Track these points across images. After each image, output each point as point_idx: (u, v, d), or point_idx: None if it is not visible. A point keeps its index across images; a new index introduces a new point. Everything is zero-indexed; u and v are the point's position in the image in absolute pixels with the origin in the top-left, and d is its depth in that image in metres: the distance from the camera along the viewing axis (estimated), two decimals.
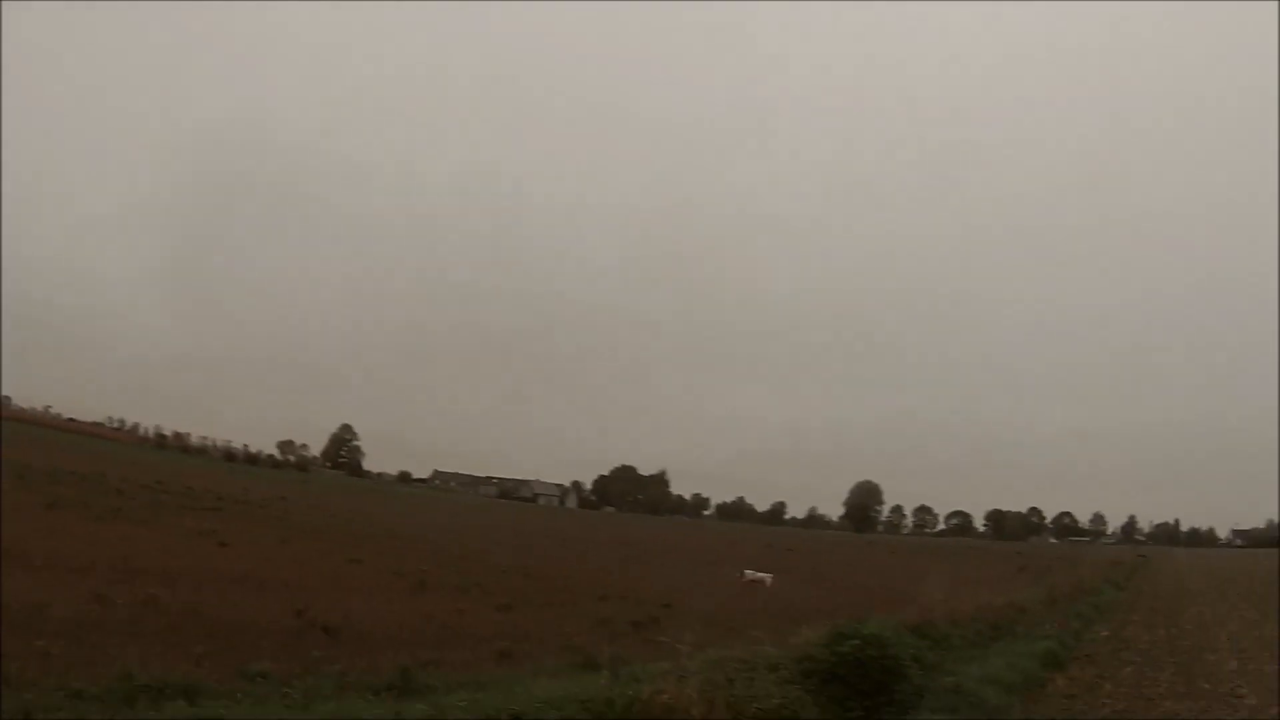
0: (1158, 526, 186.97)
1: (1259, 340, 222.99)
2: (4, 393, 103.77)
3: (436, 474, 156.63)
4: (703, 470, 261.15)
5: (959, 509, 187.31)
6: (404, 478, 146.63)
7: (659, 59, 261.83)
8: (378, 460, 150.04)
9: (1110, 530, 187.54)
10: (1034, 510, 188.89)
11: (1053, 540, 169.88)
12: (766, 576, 31.80)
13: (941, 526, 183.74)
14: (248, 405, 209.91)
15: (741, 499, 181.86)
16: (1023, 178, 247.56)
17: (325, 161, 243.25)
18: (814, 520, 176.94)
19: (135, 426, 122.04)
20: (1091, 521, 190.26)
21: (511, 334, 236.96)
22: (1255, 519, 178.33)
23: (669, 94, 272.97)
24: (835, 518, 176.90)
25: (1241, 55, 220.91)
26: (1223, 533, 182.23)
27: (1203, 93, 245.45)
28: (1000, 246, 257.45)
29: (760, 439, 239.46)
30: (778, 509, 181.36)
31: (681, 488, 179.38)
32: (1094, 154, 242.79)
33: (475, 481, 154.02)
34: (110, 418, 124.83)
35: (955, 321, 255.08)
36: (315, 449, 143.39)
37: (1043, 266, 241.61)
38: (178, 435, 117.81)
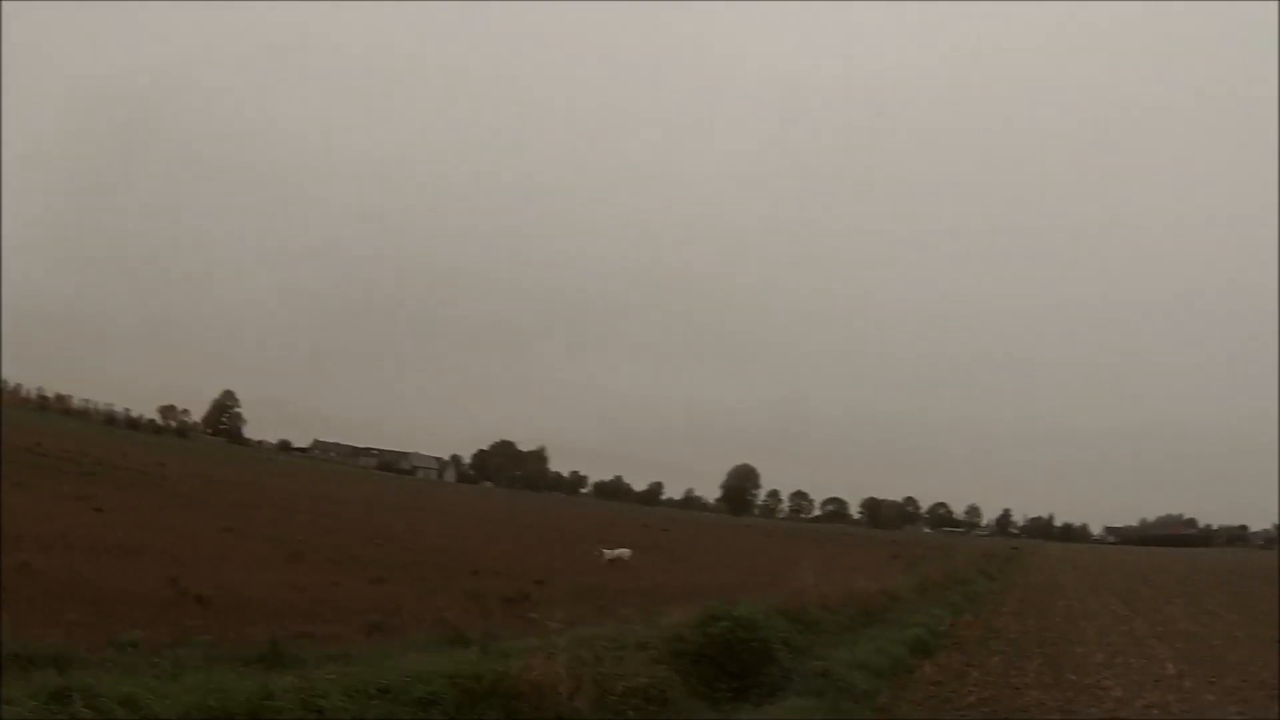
0: (1032, 520, 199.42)
1: (1141, 348, 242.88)
2: None
3: (316, 443, 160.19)
4: (583, 447, 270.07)
5: (835, 495, 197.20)
6: (284, 446, 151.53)
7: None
8: (259, 428, 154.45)
9: (985, 523, 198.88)
10: (909, 500, 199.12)
11: (927, 530, 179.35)
12: (625, 552, 33.36)
13: (817, 512, 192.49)
14: (131, 367, 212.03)
15: (619, 478, 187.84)
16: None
17: (224, 125, 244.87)
18: (690, 501, 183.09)
19: (18, 388, 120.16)
20: (966, 513, 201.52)
21: (396, 304, 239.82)
22: (1128, 518, 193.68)
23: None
24: (712, 500, 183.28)
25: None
26: (1096, 529, 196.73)
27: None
28: (891, 240, 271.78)
29: (640, 419, 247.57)
30: (655, 489, 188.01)
31: (560, 465, 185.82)
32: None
33: (355, 452, 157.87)
34: None
35: (841, 311, 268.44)
36: (197, 415, 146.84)
37: (926, 260, 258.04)
38: (59, 397, 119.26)
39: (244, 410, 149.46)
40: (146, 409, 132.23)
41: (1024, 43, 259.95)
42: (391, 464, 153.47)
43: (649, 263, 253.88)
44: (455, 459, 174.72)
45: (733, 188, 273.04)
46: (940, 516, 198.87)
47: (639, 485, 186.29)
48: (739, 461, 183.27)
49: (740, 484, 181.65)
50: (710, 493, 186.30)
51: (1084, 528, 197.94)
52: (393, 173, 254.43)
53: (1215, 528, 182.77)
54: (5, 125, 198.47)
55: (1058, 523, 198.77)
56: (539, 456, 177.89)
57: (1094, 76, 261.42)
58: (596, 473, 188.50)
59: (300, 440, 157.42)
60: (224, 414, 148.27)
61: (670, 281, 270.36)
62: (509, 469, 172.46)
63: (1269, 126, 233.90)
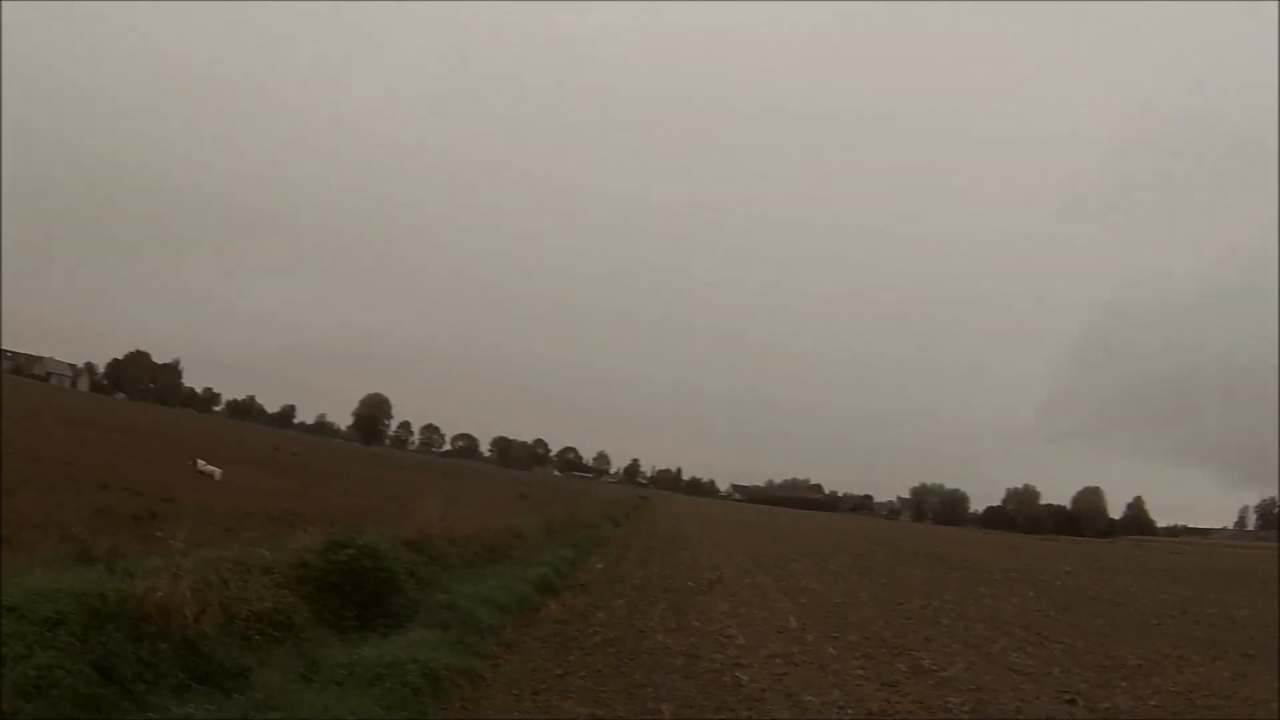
0: (660, 472, 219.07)
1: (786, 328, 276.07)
2: None
3: None
4: (221, 364, 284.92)
5: (466, 432, 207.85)
6: None
7: None
8: None
9: (614, 470, 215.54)
10: (540, 442, 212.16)
11: (556, 473, 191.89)
12: (216, 470, 34.82)
13: (448, 447, 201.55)
14: None
15: (252, 398, 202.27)
16: None
17: None
18: (322, 427, 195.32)
19: None
20: (595, 459, 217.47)
21: (42, 192, 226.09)
22: (755, 478, 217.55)
23: None
24: (344, 427, 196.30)
25: None
26: (724, 486, 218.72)
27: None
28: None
29: (281, 339, 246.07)
30: (288, 411, 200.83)
31: (195, 380, 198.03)
32: None
33: None
34: None
35: (500, 248, 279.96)
36: None
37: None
38: None
39: None
40: None
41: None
42: (25, 368, 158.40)
43: (309, 178, 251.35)
44: (90, 367, 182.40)
45: (405, 119, 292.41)
46: (570, 461, 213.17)
47: (272, 407, 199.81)
48: (373, 390, 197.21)
49: (372, 413, 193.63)
50: (343, 420, 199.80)
51: (711, 483, 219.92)
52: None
53: (841, 494, 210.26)
54: None
55: (686, 476, 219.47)
56: (173, 370, 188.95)
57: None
58: (231, 390, 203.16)
59: None
60: None
61: (330, 200, 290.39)
62: (143, 381, 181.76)
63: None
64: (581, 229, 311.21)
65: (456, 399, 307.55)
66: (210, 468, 35.04)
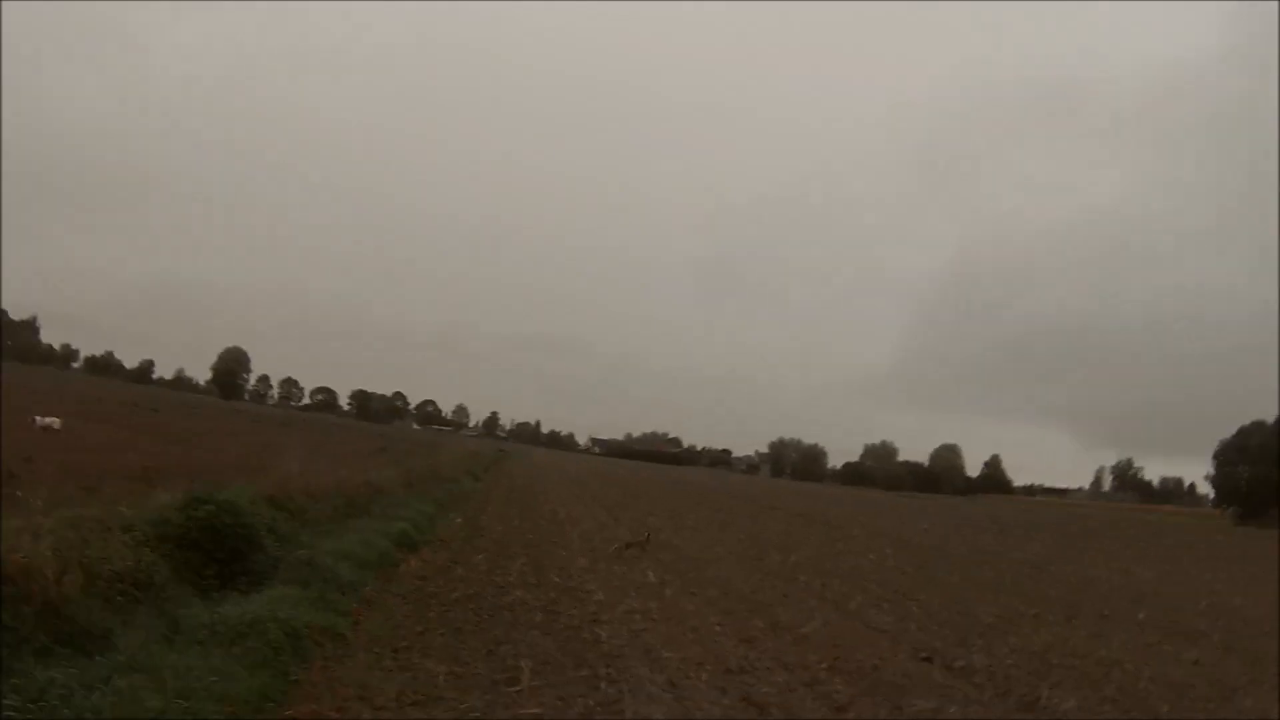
0: (519, 425, 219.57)
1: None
2: None
3: None
4: (79, 319, 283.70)
5: (325, 385, 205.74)
6: None
7: None
8: None
9: (473, 423, 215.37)
10: (398, 395, 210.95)
11: (416, 426, 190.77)
12: (54, 421, 34.86)
13: (307, 401, 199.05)
14: None
15: (111, 353, 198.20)
16: None
17: None
18: (181, 382, 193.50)
19: None
20: (454, 413, 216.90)
21: None
22: (614, 431, 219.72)
23: None
24: (203, 381, 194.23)
25: None
26: (582, 440, 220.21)
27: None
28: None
29: (134, 293, 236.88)
30: (146, 367, 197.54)
31: (53, 336, 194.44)
32: None
33: None
34: None
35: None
36: None
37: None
38: None
39: None
40: None
41: None
42: None
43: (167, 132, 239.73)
44: None
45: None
46: (429, 414, 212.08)
47: (130, 362, 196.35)
48: (232, 344, 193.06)
49: (231, 367, 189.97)
50: (202, 375, 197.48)
51: (571, 437, 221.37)
52: None
53: (700, 449, 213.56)
54: None
55: (545, 429, 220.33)
56: (30, 327, 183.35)
57: None
58: (89, 346, 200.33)
59: None
60: None
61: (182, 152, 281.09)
62: None
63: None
64: (441, 184, 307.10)
65: (315, 354, 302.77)
66: (49, 419, 34.70)
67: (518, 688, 8.89)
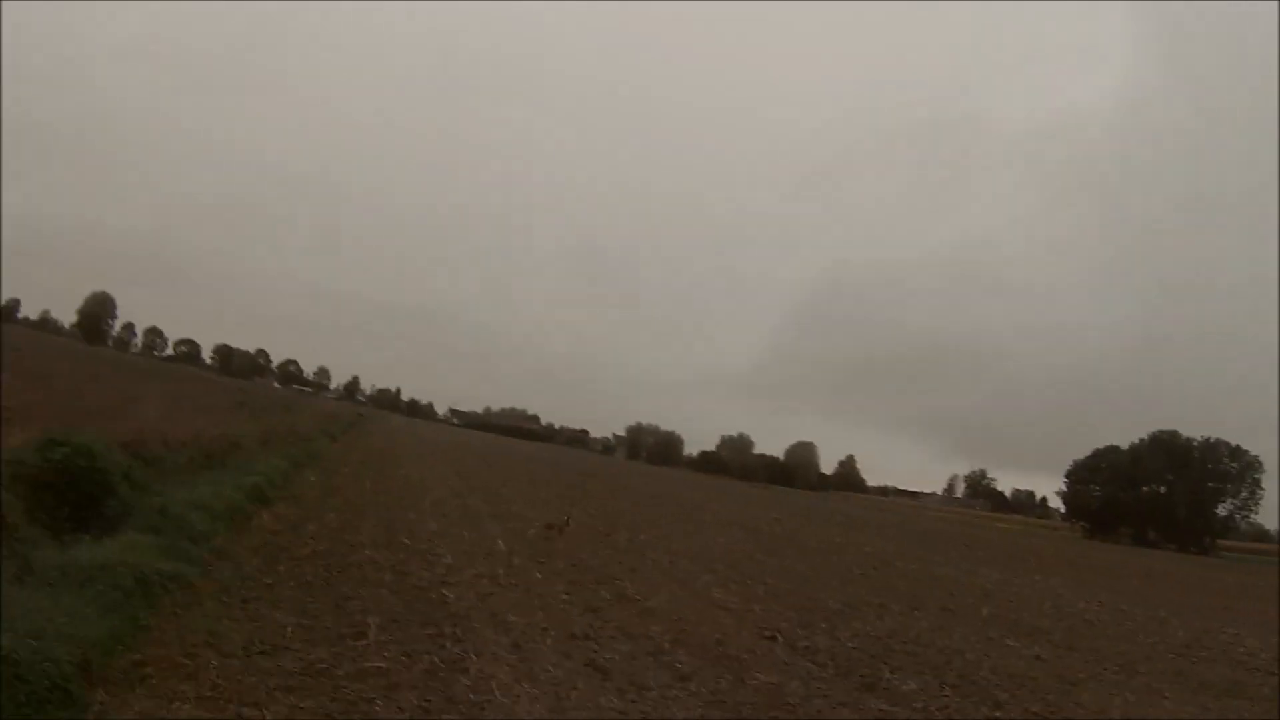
0: (380, 391, 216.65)
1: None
2: None
3: None
4: None
5: (189, 337, 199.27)
6: None
7: None
8: None
9: (334, 386, 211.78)
10: (261, 352, 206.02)
11: (277, 385, 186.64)
12: None
13: (170, 352, 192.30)
14: None
15: None
16: None
17: None
18: (46, 324, 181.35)
19: None
20: (316, 374, 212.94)
21: None
22: (474, 404, 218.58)
23: None
24: (68, 325, 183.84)
25: None
26: (441, 410, 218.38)
27: None
28: None
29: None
30: (12, 305, 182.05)
31: None
32: None
33: None
34: None
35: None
36: None
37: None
38: None
39: None
40: None
41: None
42: None
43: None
44: None
45: None
46: (290, 374, 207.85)
47: None
48: (100, 289, 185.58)
49: (97, 311, 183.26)
50: (67, 318, 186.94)
51: (430, 406, 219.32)
52: None
53: (559, 427, 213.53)
54: None
55: (405, 397, 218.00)
56: None
57: None
58: None
59: None
60: None
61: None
62: None
63: None
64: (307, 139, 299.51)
65: (181, 305, 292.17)
66: None
67: (364, 642, 9.08)
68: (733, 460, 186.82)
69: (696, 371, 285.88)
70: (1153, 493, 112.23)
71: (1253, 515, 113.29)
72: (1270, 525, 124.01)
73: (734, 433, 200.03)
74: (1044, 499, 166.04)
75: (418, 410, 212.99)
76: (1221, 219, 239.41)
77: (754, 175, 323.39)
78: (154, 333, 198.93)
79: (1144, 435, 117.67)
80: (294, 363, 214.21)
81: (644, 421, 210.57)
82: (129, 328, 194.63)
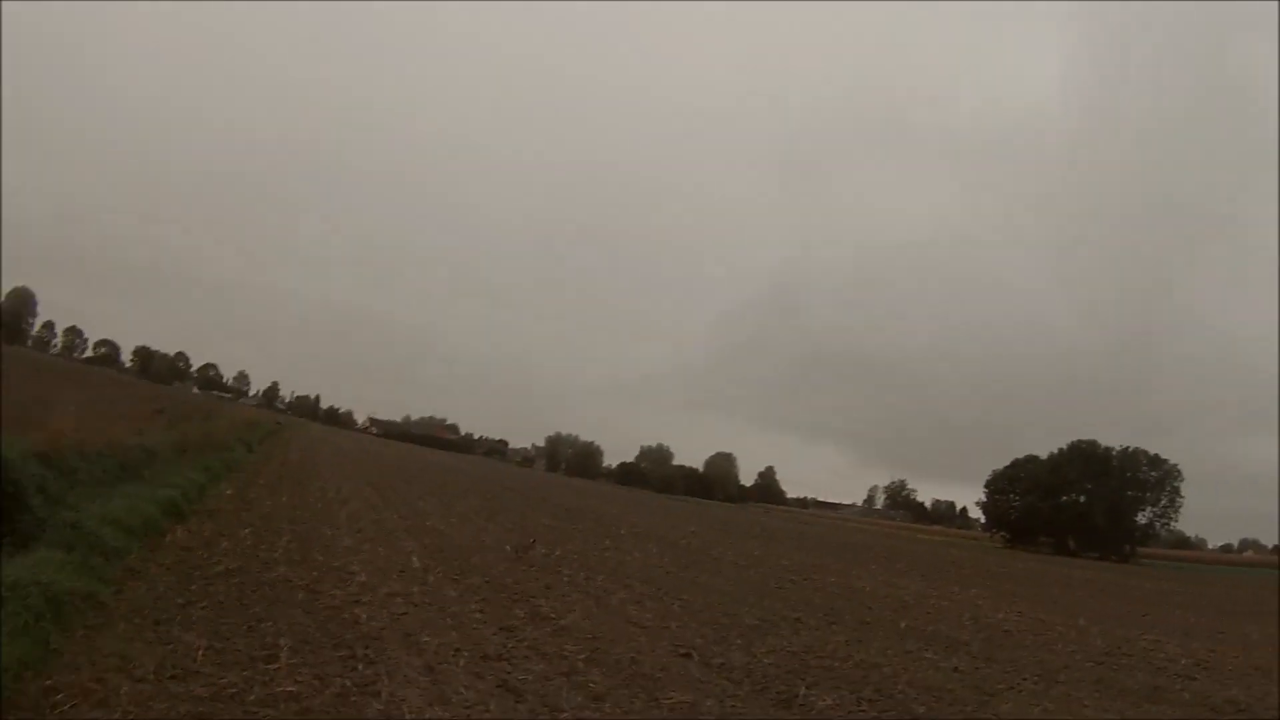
0: (299, 398, 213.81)
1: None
2: None
3: None
4: None
5: (108, 338, 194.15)
6: None
7: None
8: None
9: (253, 392, 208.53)
10: (181, 355, 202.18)
11: (196, 390, 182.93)
12: None
13: (90, 353, 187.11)
14: None
15: None
16: None
17: None
18: None
19: None
20: (235, 379, 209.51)
21: None
22: (393, 413, 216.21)
23: None
24: None
25: None
26: (361, 418, 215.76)
27: None
28: None
29: None
30: None
31: None
32: None
33: None
34: None
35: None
36: None
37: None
38: None
39: None
40: None
41: None
42: None
43: None
44: None
45: None
46: (210, 379, 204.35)
47: None
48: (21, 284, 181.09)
49: (16, 309, 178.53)
50: None
51: (350, 414, 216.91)
52: None
53: (477, 437, 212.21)
54: None
55: (324, 405, 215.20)
56: None
57: None
58: None
59: None
60: None
61: None
62: None
63: None
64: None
65: (101, 305, 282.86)
66: None
67: (276, 665, 9.02)
68: (652, 472, 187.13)
69: (616, 380, 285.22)
70: (1072, 502, 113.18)
71: (1173, 523, 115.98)
72: (1190, 533, 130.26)
73: (653, 443, 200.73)
74: (964, 509, 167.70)
75: (336, 419, 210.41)
76: (1172, 224, 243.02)
77: (675, 179, 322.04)
78: (74, 332, 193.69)
79: (1063, 445, 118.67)
80: (214, 367, 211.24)
81: (564, 432, 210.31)
82: (49, 326, 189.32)
